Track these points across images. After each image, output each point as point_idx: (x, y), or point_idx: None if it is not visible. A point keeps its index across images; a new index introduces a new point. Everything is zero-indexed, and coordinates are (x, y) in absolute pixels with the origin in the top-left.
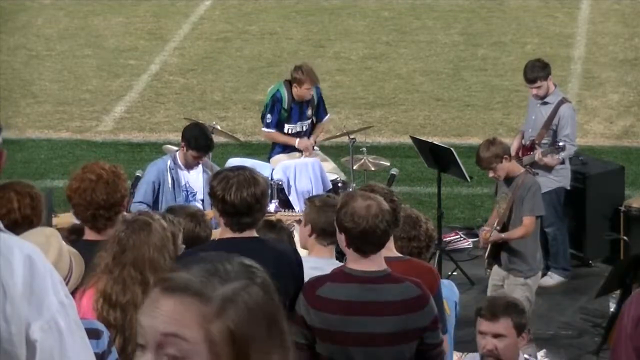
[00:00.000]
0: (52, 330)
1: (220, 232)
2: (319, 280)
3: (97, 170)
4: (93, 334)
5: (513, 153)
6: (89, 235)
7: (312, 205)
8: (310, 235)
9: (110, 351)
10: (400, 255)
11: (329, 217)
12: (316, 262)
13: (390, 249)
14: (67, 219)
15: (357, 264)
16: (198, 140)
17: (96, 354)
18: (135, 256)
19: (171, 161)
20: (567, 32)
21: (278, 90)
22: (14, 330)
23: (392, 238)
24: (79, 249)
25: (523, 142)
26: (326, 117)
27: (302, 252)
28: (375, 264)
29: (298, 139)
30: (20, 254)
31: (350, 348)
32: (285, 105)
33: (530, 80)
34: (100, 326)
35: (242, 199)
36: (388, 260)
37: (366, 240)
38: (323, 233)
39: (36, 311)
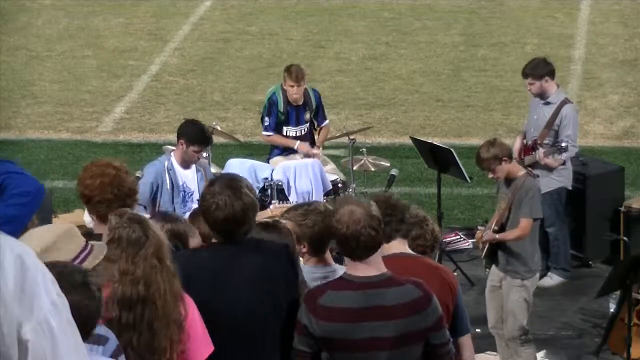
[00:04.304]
0: (44, 330)
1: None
2: (319, 289)
3: (112, 163)
4: (99, 340)
5: (515, 154)
6: (103, 229)
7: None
8: (307, 252)
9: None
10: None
11: (315, 223)
12: (316, 271)
13: (389, 248)
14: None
15: (356, 269)
16: (197, 135)
17: None
18: (155, 246)
19: (168, 162)
20: (567, 32)
21: (274, 93)
22: (5, 331)
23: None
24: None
25: (525, 142)
26: (325, 123)
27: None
28: (373, 268)
29: (298, 142)
30: (11, 254)
31: (356, 354)
32: (281, 109)
33: (523, 75)
34: (109, 333)
35: (224, 221)
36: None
37: (350, 246)
38: (318, 242)
39: (27, 312)
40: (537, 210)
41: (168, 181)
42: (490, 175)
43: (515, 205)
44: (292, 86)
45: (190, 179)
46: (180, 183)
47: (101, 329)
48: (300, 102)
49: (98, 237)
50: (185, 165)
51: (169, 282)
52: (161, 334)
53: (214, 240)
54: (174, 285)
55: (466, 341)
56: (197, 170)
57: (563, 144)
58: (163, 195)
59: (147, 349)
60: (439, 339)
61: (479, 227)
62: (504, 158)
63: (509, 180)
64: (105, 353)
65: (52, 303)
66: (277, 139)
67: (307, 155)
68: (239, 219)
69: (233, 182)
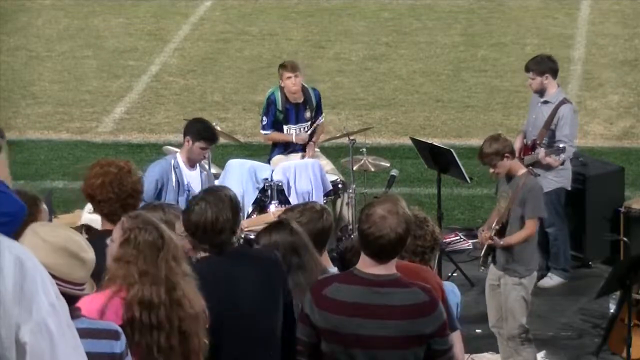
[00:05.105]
0: (42, 332)
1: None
2: (326, 280)
3: (115, 163)
4: (113, 335)
5: (516, 153)
6: (109, 226)
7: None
8: None
9: (127, 354)
10: None
11: (310, 220)
12: None
13: None
14: (68, 219)
15: (368, 267)
16: (203, 132)
17: (115, 355)
18: (173, 249)
19: (175, 160)
20: (567, 33)
21: (273, 92)
22: (3, 333)
23: None
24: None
25: (525, 141)
26: (319, 119)
27: None
28: (385, 268)
29: (294, 133)
30: (10, 255)
31: (353, 350)
32: (280, 107)
33: (526, 69)
34: (119, 328)
35: (194, 225)
36: None
37: (369, 244)
38: (313, 241)
39: (26, 313)
40: (541, 209)
41: (174, 179)
42: (491, 171)
43: (517, 203)
44: (290, 77)
45: (194, 179)
46: (186, 182)
47: (114, 325)
48: (300, 99)
49: (102, 233)
50: (191, 164)
51: (189, 283)
52: (193, 334)
53: (201, 254)
54: (194, 287)
55: (455, 338)
56: (201, 172)
57: (561, 145)
58: (168, 193)
59: (181, 352)
60: (441, 345)
61: (483, 228)
62: (506, 154)
63: (509, 177)
64: (120, 347)
65: (50, 304)
66: (274, 136)
67: (304, 144)
68: (208, 228)
69: (218, 195)
